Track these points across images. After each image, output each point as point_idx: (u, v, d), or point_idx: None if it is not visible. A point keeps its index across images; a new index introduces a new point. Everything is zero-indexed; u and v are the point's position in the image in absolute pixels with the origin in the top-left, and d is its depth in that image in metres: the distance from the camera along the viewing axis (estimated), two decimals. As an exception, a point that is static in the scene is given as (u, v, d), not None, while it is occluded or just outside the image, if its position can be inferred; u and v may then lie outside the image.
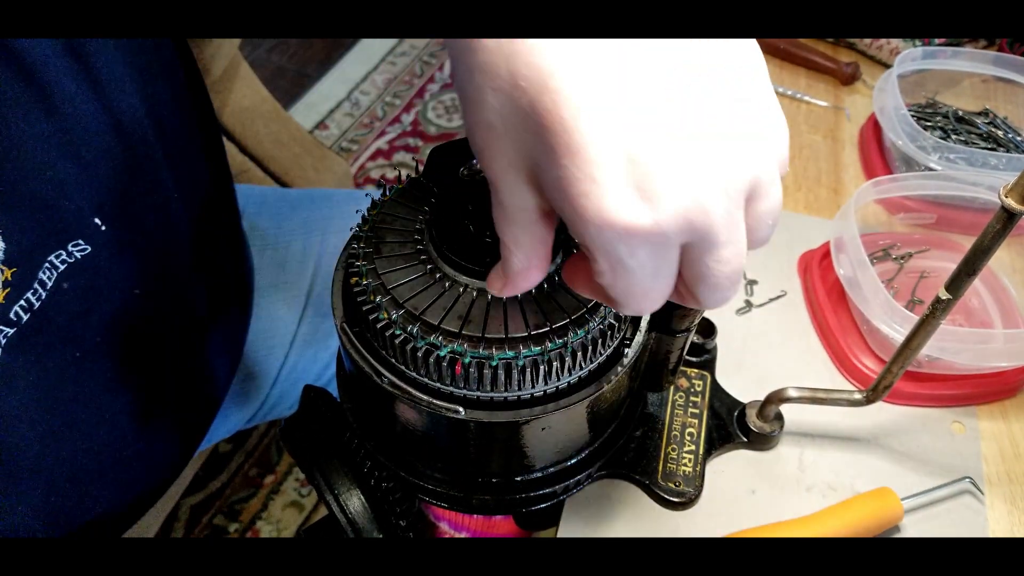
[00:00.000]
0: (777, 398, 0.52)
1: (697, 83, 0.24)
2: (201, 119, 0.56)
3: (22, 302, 0.40)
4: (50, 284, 0.41)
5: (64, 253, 0.42)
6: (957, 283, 0.38)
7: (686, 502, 0.51)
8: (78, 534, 0.52)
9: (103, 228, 0.43)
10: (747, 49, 0.26)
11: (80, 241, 0.42)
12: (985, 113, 0.74)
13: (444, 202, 0.38)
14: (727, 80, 0.24)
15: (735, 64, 0.25)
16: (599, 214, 0.24)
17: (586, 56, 0.23)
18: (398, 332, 0.36)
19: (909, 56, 0.73)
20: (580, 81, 0.23)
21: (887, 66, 0.86)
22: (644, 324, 0.41)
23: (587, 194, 0.24)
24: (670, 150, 0.23)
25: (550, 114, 0.23)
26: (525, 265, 0.29)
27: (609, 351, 0.39)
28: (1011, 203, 0.32)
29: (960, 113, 0.74)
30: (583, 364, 0.37)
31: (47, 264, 0.41)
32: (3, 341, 0.40)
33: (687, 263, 0.26)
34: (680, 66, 0.24)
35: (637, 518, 0.51)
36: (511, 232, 0.28)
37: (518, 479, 0.42)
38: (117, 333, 0.47)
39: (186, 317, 0.56)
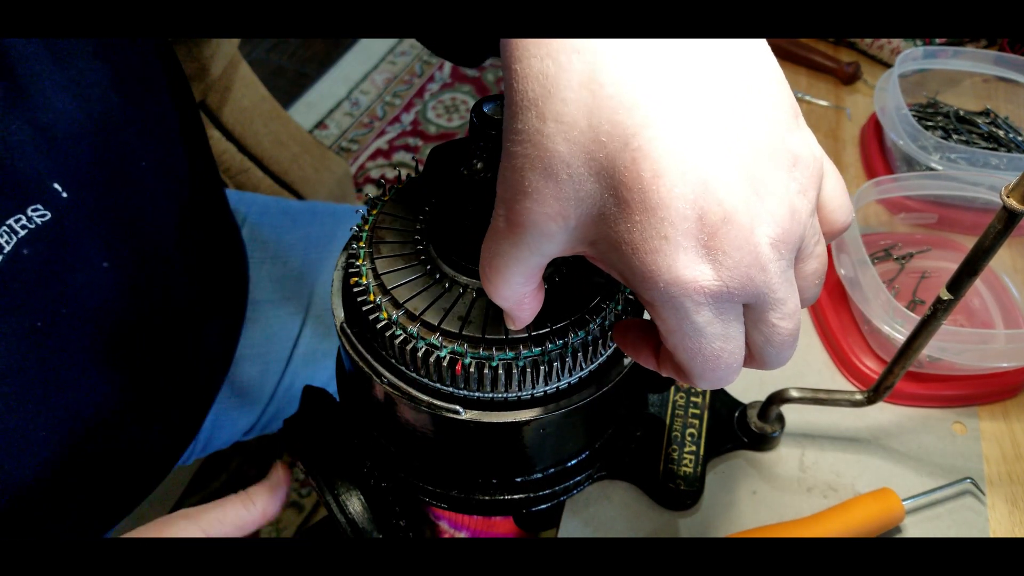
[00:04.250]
0: (778, 399, 0.51)
1: (759, 143, 0.25)
2: (177, 102, 0.55)
3: None
4: (8, 248, 0.41)
5: (24, 218, 0.41)
6: (958, 283, 0.38)
7: (687, 503, 0.51)
8: (61, 519, 0.51)
9: (64, 195, 0.42)
10: (787, 92, 0.27)
11: (39, 206, 0.41)
12: (986, 113, 0.74)
13: (444, 202, 0.38)
14: (782, 135, 0.26)
15: (785, 113, 0.26)
16: (668, 271, 0.25)
17: (668, 119, 0.24)
18: (398, 332, 0.35)
19: (910, 56, 0.73)
20: (661, 142, 0.24)
21: (888, 66, 0.86)
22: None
23: (657, 251, 0.24)
24: (734, 210, 0.24)
25: (629, 171, 0.24)
26: (518, 295, 0.30)
27: (610, 351, 0.39)
28: (1012, 203, 0.32)
29: (961, 113, 0.74)
30: (583, 365, 0.37)
31: (5, 228, 0.40)
32: None
33: (752, 324, 0.27)
34: (747, 124, 0.25)
35: (638, 519, 0.51)
36: (510, 270, 0.29)
37: (518, 480, 0.42)
38: (87, 307, 0.46)
39: (171, 302, 0.55)
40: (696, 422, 0.54)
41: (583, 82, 0.24)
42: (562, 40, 0.24)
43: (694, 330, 0.26)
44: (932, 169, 0.65)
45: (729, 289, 0.25)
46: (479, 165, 0.33)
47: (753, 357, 0.29)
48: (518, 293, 0.30)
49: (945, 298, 0.39)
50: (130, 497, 0.60)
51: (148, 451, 0.57)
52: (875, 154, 0.74)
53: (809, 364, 0.60)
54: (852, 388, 0.59)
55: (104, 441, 0.51)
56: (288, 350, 0.74)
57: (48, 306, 0.44)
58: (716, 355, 0.27)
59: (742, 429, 0.54)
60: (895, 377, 0.45)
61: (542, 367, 0.35)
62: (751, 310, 0.27)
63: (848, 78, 0.83)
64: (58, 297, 0.44)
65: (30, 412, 0.46)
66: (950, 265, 0.63)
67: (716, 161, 0.24)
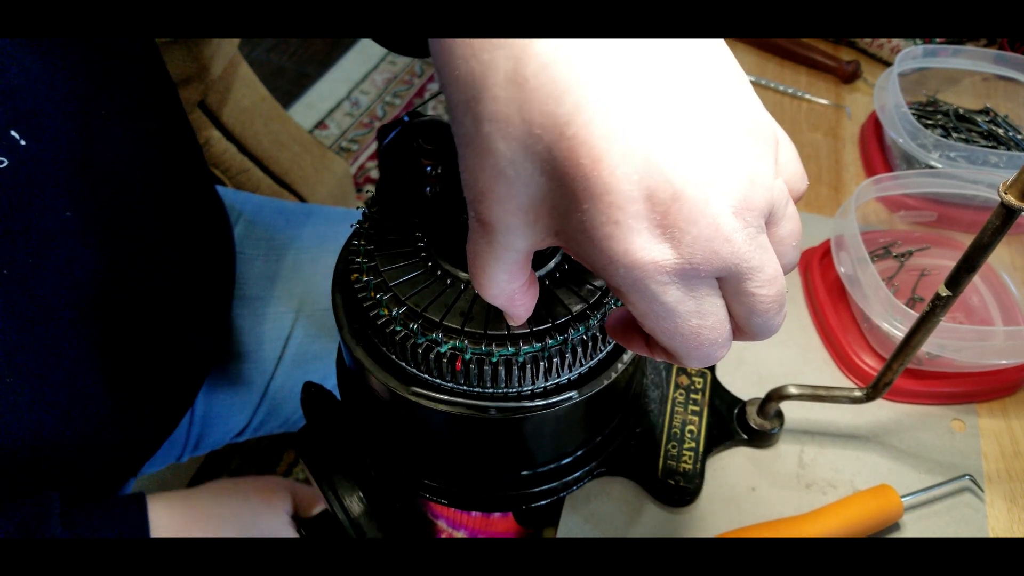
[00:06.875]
0: (777, 396, 0.52)
1: (704, 113, 0.24)
2: (147, 68, 0.55)
3: None
4: None
5: None
6: (957, 280, 0.38)
7: (686, 499, 0.51)
8: (38, 486, 0.51)
9: (23, 143, 0.42)
10: (730, 60, 0.26)
11: None
12: (986, 111, 0.74)
13: (444, 199, 0.38)
14: (728, 103, 0.25)
15: (728, 81, 0.25)
16: (625, 256, 0.24)
17: (600, 100, 0.23)
18: (398, 328, 0.36)
19: (910, 54, 0.73)
20: (596, 126, 0.23)
21: (888, 64, 0.86)
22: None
23: (611, 236, 0.24)
24: (684, 185, 0.23)
25: (568, 160, 0.23)
26: (508, 292, 0.30)
27: (610, 347, 0.39)
28: (1010, 199, 0.32)
29: (961, 111, 0.74)
30: (583, 361, 0.37)
31: None
32: None
33: (732, 296, 0.26)
34: (687, 95, 0.24)
35: (637, 515, 0.51)
36: (493, 268, 0.28)
37: (518, 476, 0.43)
38: (54, 259, 0.46)
39: (148, 266, 0.55)
40: (695, 419, 0.54)
41: (509, 78, 0.23)
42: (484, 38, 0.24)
43: (665, 311, 0.26)
44: (931, 167, 0.65)
45: (693, 265, 0.24)
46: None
47: (741, 329, 0.28)
48: (506, 290, 0.30)
49: (944, 295, 0.39)
50: (110, 477, 0.60)
51: (130, 429, 0.57)
52: (875, 152, 0.74)
53: (808, 361, 0.60)
54: (851, 385, 0.59)
55: (82, 408, 0.51)
56: (279, 350, 0.74)
57: (12, 253, 0.44)
58: (695, 332, 0.26)
59: (741, 426, 0.54)
60: (894, 374, 0.45)
61: (542, 363, 0.35)
62: (727, 282, 0.26)
63: (848, 77, 0.83)
64: (22, 245, 0.44)
65: (2, 360, 0.45)
66: (949, 263, 0.63)
67: (659, 137, 0.23)
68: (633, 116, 0.23)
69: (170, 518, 0.55)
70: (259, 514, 0.60)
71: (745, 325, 0.28)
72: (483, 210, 0.26)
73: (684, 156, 0.23)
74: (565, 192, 0.24)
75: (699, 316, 0.26)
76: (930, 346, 0.52)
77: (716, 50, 0.25)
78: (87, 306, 0.49)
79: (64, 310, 0.48)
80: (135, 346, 0.55)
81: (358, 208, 0.40)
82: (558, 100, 0.23)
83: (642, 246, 0.24)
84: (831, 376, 0.60)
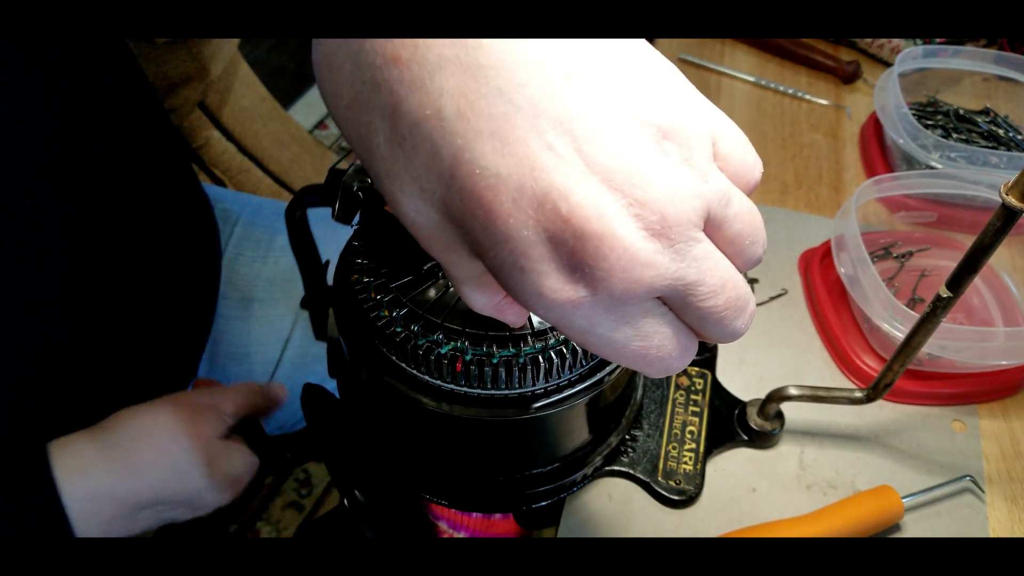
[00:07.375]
0: (778, 396, 0.52)
1: (600, 131, 0.22)
2: (123, 77, 0.55)
3: None
4: None
5: None
6: (958, 281, 0.38)
7: (686, 500, 0.51)
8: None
9: None
10: (639, 57, 0.23)
11: None
12: (986, 112, 0.74)
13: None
14: (634, 111, 0.22)
15: (635, 83, 0.23)
16: (539, 298, 0.23)
17: (477, 148, 0.22)
18: (399, 329, 0.36)
19: (910, 55, 0.73)
20: (479, 177, 0.22)
21: (888, 64, 0.86)
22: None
23: (522, 282, 0.23)
24: (585, 220, 0.22)
25: (462, 212, 0.23)
26: (492, 306, 0.29)
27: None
28: (1012, 201, 0.32)
29: (961, 112, 0.74)
30: (584, 362, 0.37)
31: None
32: None
33: (680, 311, 0.25)
34: (577, 113, 0.22)
35: (637, 516, 0.51)
36: (465, 290, 0.28)
37: (518, 476, 0.42)
38: (15, 252, 0.46)
39: (127, 267, 0.54)
40: (696, 420, 0.54)
41: (388, 138, 0.23)
42: (363, 101, 0.23)
43: (601, 340, 0.24)
44: (932, 168, 0.65)
45: (614, 297, 0.23)
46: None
47: (701, 335, 0.26)
48: (488, 304, 0.29)
49: (945, 296, 0.39)
50: None
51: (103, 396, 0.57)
52: (875, 153, 0.74)
53: (808, 362, 0.60)
54: (852, 386, 0.59)
55: (62, 405, 0.51)
56: (278, 352, 0.74)
57: None
58: (640, 354, 0.25)
59: (742, 427, 0.54)
60: (894, 375, 0.45)
61: (543, 363, 0.35)
62: (669, 299, 0.24)
63: (848, 77, 0.83)
64: None
65: None
66: (950, 263, 0.63)
67: (548, 172, 0.21)
68: (516, 156, 0.22)
69: (83, 481, 0.47)
70: (189, 448, 0.53)
71: (703, 332, 0.26)
72: (421, 242, 0.26)
73: (580, 188, 0.22)
74: (472, 240, 0.24)
75: (640, 339, 0.25)
76: (931, 347, 0.52)
77: (616, 50, 0.23)
78: (63, 301, 0.49)
79: (39, 306, 0.47)
80: (116, 343, 0.55)
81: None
82: (436, 155, 0.22)
83: (553, 288, 0.23)
84: (831, 377, 0.60)
